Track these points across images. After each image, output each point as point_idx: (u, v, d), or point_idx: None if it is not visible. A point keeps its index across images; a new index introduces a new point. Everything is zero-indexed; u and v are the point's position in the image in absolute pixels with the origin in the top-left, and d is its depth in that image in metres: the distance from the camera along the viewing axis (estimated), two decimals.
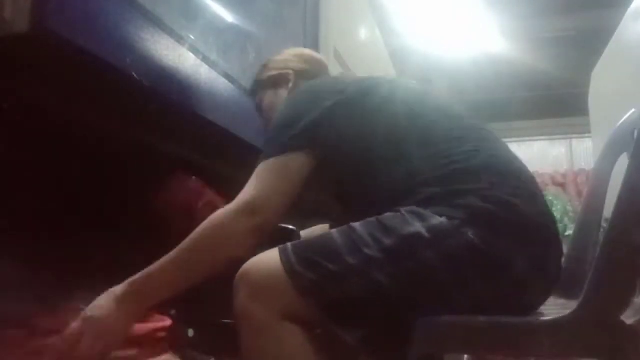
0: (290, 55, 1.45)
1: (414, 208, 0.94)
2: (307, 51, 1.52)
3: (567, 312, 0.80)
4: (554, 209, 8.22)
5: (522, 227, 0.92)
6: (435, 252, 0.89)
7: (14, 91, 1.23)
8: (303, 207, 1.11)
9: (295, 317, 0.91)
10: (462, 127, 1.08)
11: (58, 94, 1.31)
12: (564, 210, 8.23)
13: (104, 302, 1.06)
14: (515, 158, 1.09)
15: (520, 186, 0.98)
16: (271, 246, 0.99)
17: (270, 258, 0.95)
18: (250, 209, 1.01)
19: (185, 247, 1.02)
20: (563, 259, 1.04)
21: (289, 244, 0.96)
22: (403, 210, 0.94)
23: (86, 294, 1.40)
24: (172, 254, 1.04)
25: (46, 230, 1.60)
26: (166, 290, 1.06)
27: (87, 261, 1.73)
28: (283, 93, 1.37)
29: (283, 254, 0.94)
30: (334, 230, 0.97)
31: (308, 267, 0.91)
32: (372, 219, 0.96)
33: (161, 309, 1.36)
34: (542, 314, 0.93)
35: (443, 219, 0.90)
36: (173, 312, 1.59)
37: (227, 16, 1.87)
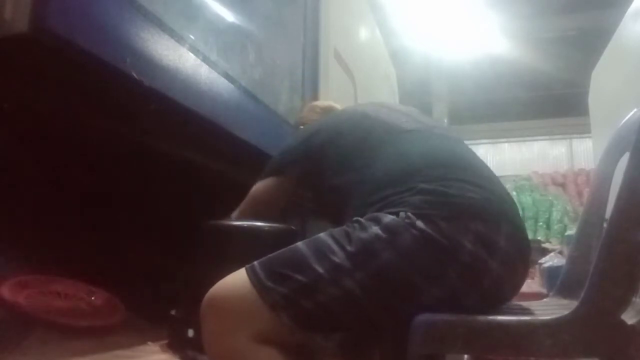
0: (305, 111, 1.80)
1: (372, 214, 0.98)
2: (318, 103, 1.84)
3: (568, 311, 0.80)
4: (553, 209, 8.22)
5: (464, 209, 0.97)
6: (393, 249, 0.92)
7: (14, 91, 1.23)
8: (303, 209, 1.15)
9: (269, 339, 0.89)
10: (400, 134, 1.18)
11: (58, 94, 1.32)
12: (564, 210, 8.22)
13: None
14: (454, 150, 1.16)
15: (456, 176, 1.03)
16: (273, 247, 0.99)
17: (237, 279, 0.93)
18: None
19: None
20: (522, 236, 1.05)
21: (255, 262, 0.94)
22: (363, 218, 0.98)
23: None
24: None
25: (46, 229, 1.60)
26: None
27: (86, 259, 1.73)
28: None
29: (251, 272, 0.92)
30: (299, 242, 0.97)
31: (278, 281, 0.90)
32: (338, 229, 0.99)
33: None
34: (542, 314, 0.93)
35: (393, 217, 0.95)
36: (173, 312, 1.59)
37: (227, 16, 1.87)
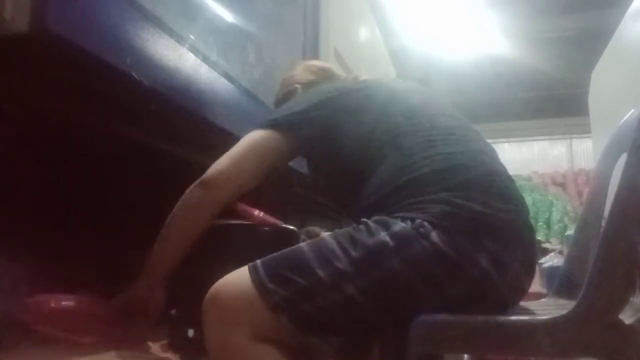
0: (298, 69, 1.53)
1: (381, 217, 0.95)
2: (315, 62, 1.59)
3: (566, 311, 0.80)
4: (553, 209, 8.22)
5: (483, 227, 0.92)
6: (400, 259, 0.89)
7: (14, 91, 1.23)
8: (303, 207, 1.13)
9: (269, 337, 0.90)
10: (433, 128, 1.07)
11: (58, 94, 1.32)
12: (564, 210, 8.22)
13: (130, 289, 1.22)
14: (488, 157, 1.07)
15: (484, 189, 0.97)
16: (273, 246, 0.99)
17: (239, 277, 0.94)
18: (208, 183, 1.13)
19: (166, 222, 1.19)
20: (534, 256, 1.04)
21: (258, 261, 0.95)
22: (371, 220, 0.96)
23: (87, 292, 1.40)
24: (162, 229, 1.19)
25: (46, 229, 1.60)
26: (168, 260, 1.21)
27: (86, 260, 1.73)
28: None
29: (253, 271, 0.93)
30: (304, 244, 0.97)
31: (279, 283, 0.90)
32: (343, 231, 0.97)
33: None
34: (541, 313, 0.93)
35: (405, 224, 0.91)
36: (173, 312, 1.59)
37: (227, 16, 1.87)
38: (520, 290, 1.00)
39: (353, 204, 1.10)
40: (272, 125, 1.16)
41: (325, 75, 1.48)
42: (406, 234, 0.91)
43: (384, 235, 0.92)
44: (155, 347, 1.68)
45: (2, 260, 1.43)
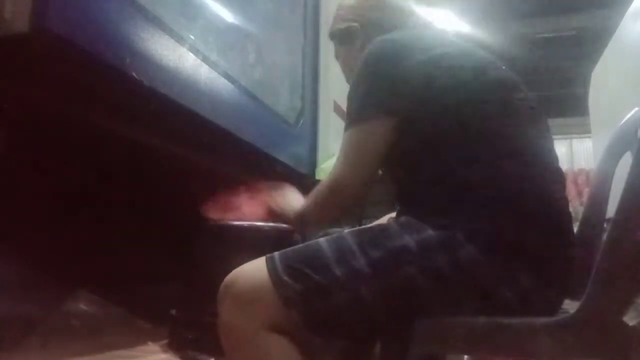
0: (362, 1, 1.23)
1: (410, 218, 0.91)
2: None
3: (569, 312, 0.80)
4: None
5: (522, 256, 0.86)
6: (419, 267, 0.86)
7: (14, 91, 1.23)
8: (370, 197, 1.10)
9: (280, 328, 0.89)
10: (501, 126, 0.95)
11: (58, 94, 1.31)
12: None
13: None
14: (559, 192, 0.96)
15: (536, 210, 0.89)
16: (274, 246, 0.99)
17: (256, 268, 0.93)
18: (339, 189, 1.02)
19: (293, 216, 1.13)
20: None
21: (276, 253, 0.93)
22: (399, 220, 0.93)
23: (87, 292, 1.40)
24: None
25: (46, 228, 1.60)
26: None
27: (86, 260, 1.73)
28: (355, 52, 1.18)
29: (270, 263, 0.92)
30: (323, 239, 0.95)
31: (294, 277, 0.89)
32: (365, 228, 0.96)
33: None
34: (543, 314, 0.93)
35: (436, 233, 0.87)
36: (173, 312, 1.59)
37: (227, 16, 1.87)
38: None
39: (405, 186, 1.02)
40: (360, 119, 1.00)
41: (396, 17, 1.19)
42: (433, 242, 0.87)
43: (408, 239, 0.88)
44: (155, 347, 1.68)
45: (2, 260, 1.43)
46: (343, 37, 1.23)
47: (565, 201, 0.97)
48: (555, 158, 1.02)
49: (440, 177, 0.92)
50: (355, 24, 1.20)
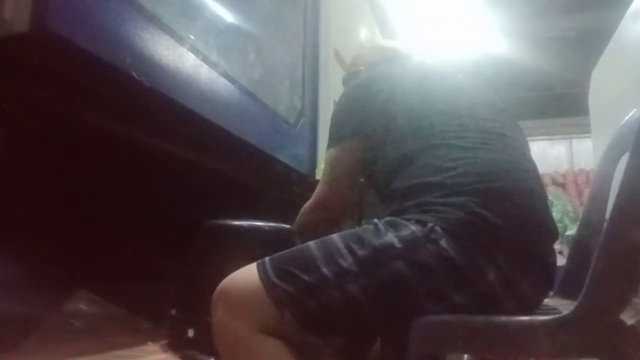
0: (367, 49, 1.56)
1: (393, 218, 0.95)
2: (381, 43, 1.63)
3: (567, 311, 0.80)
4: (553, 209, 8.22)
5: (497, 241, 0.90)
6: (405, 261, 0.89)
7: (14, 91, 1.23)
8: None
9: (274, 331, 0.91)
10: (464, 128, 1.05)
11: (58, 93, 1.32)
12: (564, 210, 8.22)
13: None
14: (525, 173, 1.02)
15: (508, 201, 0.94)
16: (274, 246, 1.01)
17: (248, 273, 0.95)
18: (322, 204, 1.21)
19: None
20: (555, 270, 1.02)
21: (267, 258, 0.96)
22: (382, 220, 0.96)
23: (87, 292, 1.40)
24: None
25: (46, 228, 1.60)
26: None
27: (86, 259, 1.73)
28: None
29: (261, 267, 0.95)
30: (312, 242, 0.98)
31: (284, 279, 0.91)
32: (351, 230, 0.98)
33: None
34: (542, 313, 0.93)
35: (415, 228, 0.91)
36: (173, 312, 1.59)
37: (227, 16, 1.87)
38: (528, 307, 0.99)
39: (386, 188, 1.09)
40: (338, 140, 1.20)
41: (390, 55, 1.48)
42: (414, 237, 0.90)
43: (391, 237, 0.91)
44: (155, 347, 1.68)
45: (2, 260, 1.43)
46: (350, 79, 1.44)
47: (537, 184, 1.03)
48: (524, 146, 1.14)
49: (414, 183, 0.99)
50: (361, 68, 1.45)
